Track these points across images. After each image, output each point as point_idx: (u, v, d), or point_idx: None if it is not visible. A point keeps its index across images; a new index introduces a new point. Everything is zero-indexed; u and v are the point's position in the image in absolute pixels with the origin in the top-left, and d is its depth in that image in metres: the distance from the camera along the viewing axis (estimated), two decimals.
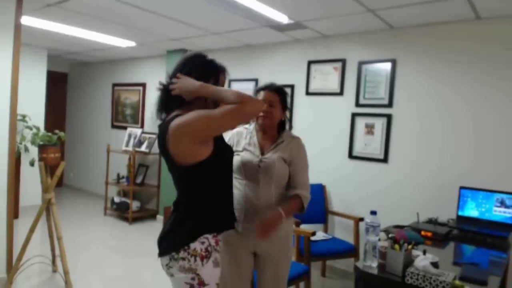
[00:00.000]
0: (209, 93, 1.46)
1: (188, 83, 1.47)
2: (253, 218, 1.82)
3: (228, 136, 1.97)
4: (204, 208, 1.51)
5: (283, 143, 1.92)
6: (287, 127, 2.02)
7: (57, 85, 6.93)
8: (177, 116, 1.45)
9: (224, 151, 1.59)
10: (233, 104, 1.38)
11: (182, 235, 1.46)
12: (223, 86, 1.58)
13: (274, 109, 1.90)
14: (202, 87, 1.45)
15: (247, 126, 2.05)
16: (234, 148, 1.95)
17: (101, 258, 3.86)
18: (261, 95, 1.91)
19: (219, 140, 1.55)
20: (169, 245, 1.47)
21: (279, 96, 1.92)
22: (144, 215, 5.35)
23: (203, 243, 1.44)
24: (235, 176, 1.87)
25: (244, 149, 1.94)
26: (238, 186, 1.88)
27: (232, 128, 1.88)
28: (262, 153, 1.91)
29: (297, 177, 1.89)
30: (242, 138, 1.98)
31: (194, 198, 1.51)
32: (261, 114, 1.89)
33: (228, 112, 1.39)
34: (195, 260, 1.42)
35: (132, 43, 4.74)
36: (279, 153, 1.88)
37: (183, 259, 1.43)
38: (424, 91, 3.22)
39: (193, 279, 1.43)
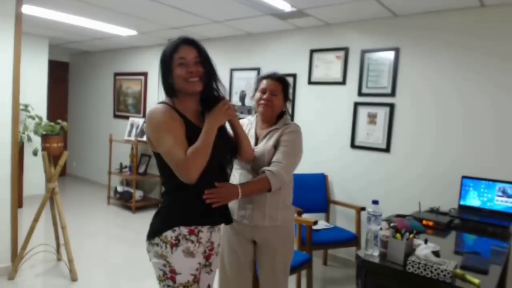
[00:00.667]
0: (206, 125, 1.46)
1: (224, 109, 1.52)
2: (246, 206, 1.86)
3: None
4: (180, 199, 1.49)
5: (276, 131, 1.90)
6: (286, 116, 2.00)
7: (59, 75, 6.91)
8: (161, 103, 1.49)
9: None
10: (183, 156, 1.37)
11: (158, 222, 1.50)
12: (186, 61, 1.47)
13: (275, 98, 1.88)
14: (208, 123, 1.46)
15: (249, 117, 2.05)
16: None
17: (105, 246, 3.90)
18: (264, 83, 1.91)
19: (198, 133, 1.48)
20: (149, 231, 1.52)
21: (281, 85, 1.91)
22: (147, 204, 5.38)
23: (174, 231, 1.46)
24: (234, 166, 1.90)
25: None
26: (236, 175, 1.90)
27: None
28: (257, 143, 1.92)
29: (275, 156, 1.82)
30: None
31: (170, 185, 1.50)
32: (262, 102, 1.88)
33: (171, 155, 1.39)
34: (166, 247, 1.45)
35: (133, 32, 4.71)
36: (271, 141, 1.87)
37: (157, 245, 1.47)
38: (427, 80, 3.19)
39: (164, 266, 1.46)
